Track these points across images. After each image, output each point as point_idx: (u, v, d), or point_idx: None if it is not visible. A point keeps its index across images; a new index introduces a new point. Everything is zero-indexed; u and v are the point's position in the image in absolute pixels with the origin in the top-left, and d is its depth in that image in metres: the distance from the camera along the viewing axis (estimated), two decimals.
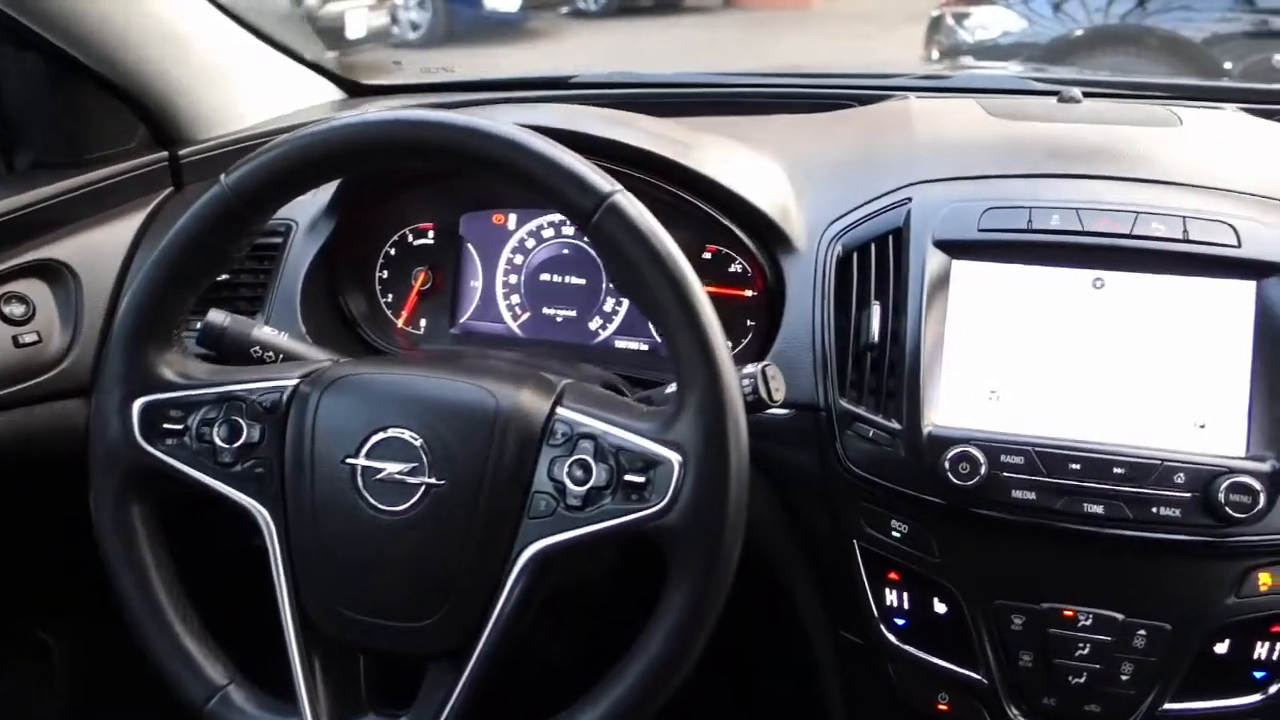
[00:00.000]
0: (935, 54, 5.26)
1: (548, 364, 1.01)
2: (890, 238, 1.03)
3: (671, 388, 0.88)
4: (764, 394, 0.90)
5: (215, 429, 0.88)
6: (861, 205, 1.07)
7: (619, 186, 0.81)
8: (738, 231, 1.08)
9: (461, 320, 1.23)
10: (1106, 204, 0.98)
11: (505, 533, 0.83)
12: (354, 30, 5.78)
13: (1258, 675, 0.93)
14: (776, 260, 1.08)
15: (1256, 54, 4.43)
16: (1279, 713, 0.92)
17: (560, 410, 0.85)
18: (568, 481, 0.82)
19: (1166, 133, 1.13)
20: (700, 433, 0.78)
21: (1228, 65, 4.46)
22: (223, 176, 0.87)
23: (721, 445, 0.78)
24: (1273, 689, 0.92)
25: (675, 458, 0.79)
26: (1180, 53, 4.59)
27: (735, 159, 1.14)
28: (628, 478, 0.80)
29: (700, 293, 0.79)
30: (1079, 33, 4.91)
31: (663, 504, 0.79)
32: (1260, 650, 0.92)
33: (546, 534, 0.82)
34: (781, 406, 0.99)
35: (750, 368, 0.91)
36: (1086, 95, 1.28)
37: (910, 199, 1.04)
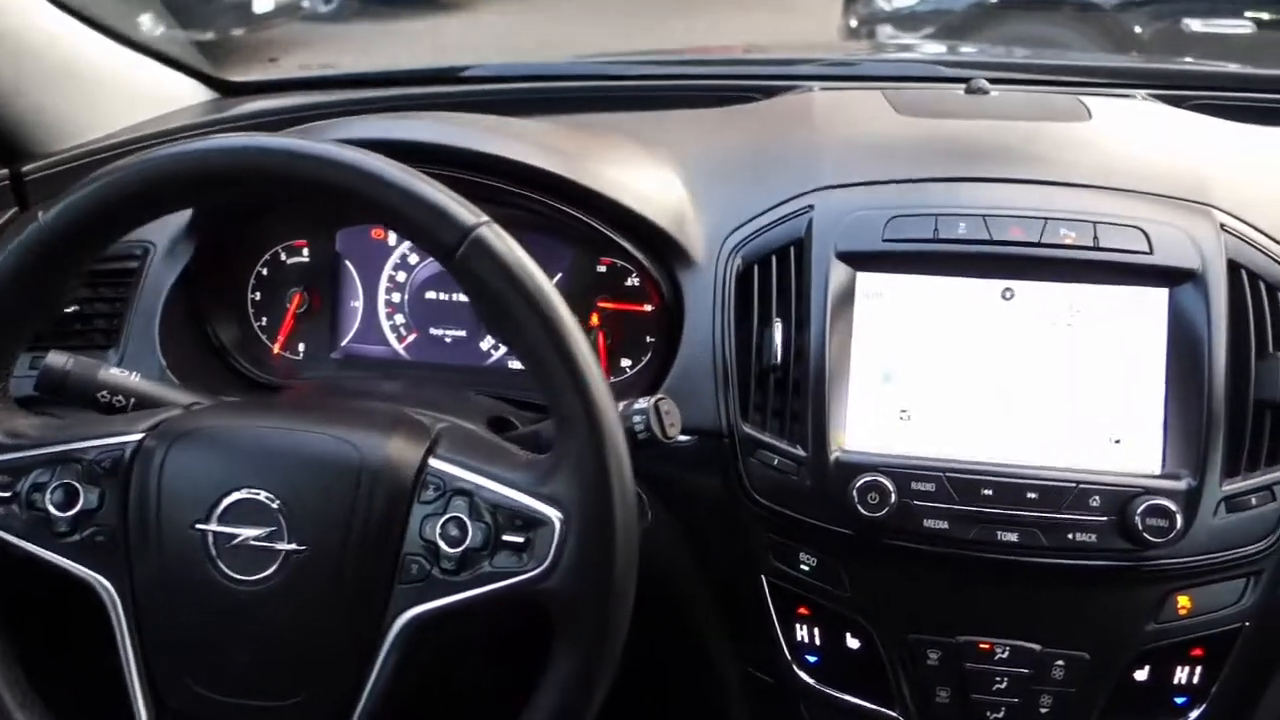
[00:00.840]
0: (854, 22, 5.22)
1: (429, 396, 0.93)
2: (791, 249, 0.97)
3: None
4: (657, 431, 0.83)
5: (48, 494, 0.78)
6: (761, 214, 1.00)
7: (484, 218, 0.73)
8: (629, 248, 1.01)
9: (343, 343, 1.14)
10: (1015, 210, 0.94)
11: (375, 601, 0.75)
12: (261, 4, 5.54)
13: (1178, 701, 0.90)
14: (674, 274, 1.02)
15: (1166, 19, 4.48)
16: None
17: (433, 462, 0.77)
18: (441, 543, 0.74)
19: (1076, 128, 1.08)
20: (580, 488, 0.71)
21: (1138, 30, 4.49)
22: (40, 212, 0.77)
23: (604, 501, 0.71)
24: (1193, 715, 0.89)
25: (555, 515, 0.72)
26: (1091, 19, 4.61)
27: (627, 166, 1.06)
28: (506, 538, 0.73)
29: (575, 333, 0.72)
30: (992, 1, 4.91)
31: (543, 567, 0.72)
32: (1180, 675, 0.89)
33: (419, 601, 0.75)
34: (682, 434, 0.93)
35: (642, 402, 0.84)
36: (995, 83, 1.23)
37: (812, 207, 0.98)
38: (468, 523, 0.74)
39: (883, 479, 0.88)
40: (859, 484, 0.88)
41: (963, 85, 1.22)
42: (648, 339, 1.06)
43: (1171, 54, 4.40)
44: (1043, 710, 0.90)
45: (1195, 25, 4.42)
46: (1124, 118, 1.13)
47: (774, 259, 0.97)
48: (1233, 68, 1.45)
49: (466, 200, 0.74)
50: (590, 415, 0.71)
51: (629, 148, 1.11)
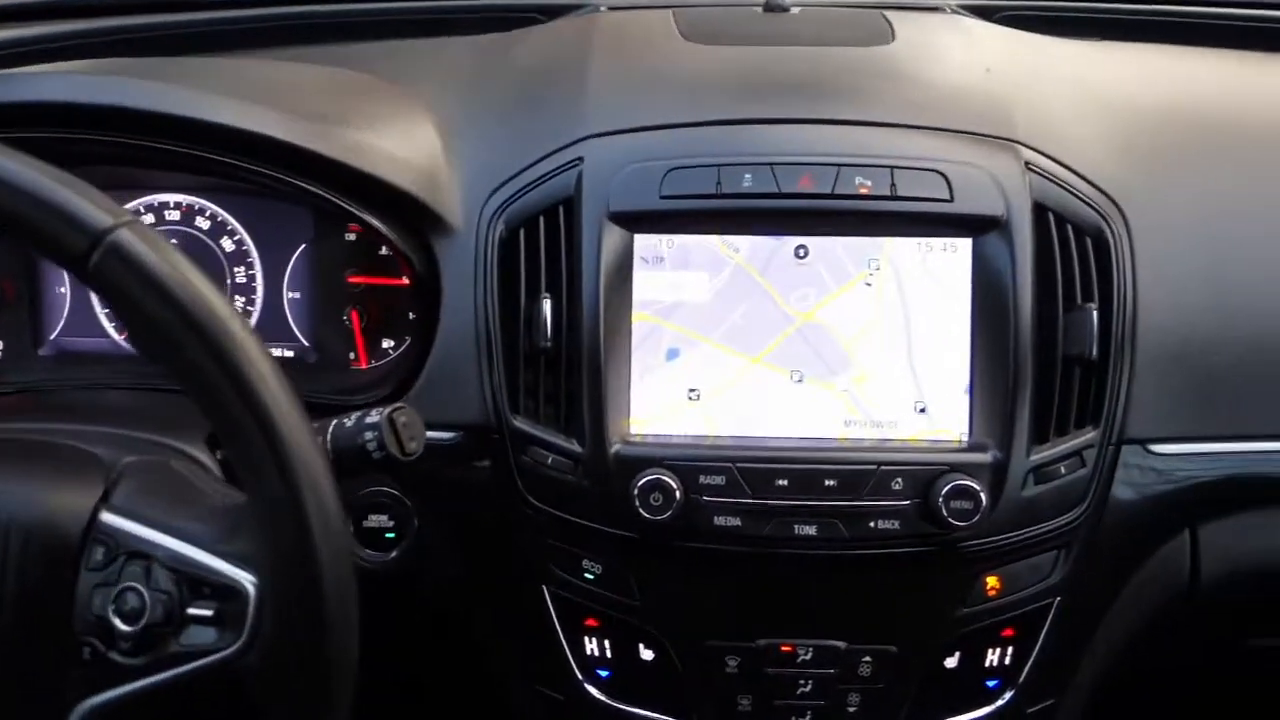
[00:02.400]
0: None
1: (148, 407, 0.78)
2: (560, 210, 0.84)
3: None
4: (394, 449, 0.71)
5: None
6: (527, 168, 0.86)
7: (124, 217, 0.57)
8: (369, 219, 0.86)
9: (51, 337, 0.96)
10: (806, 156, 0.83)
11: (45, 689, 0.61)
12: None
13: (990, 684, 0.85)
14: (428, 243, 0.87)
15: None
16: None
17: (104, 516, 0.63)
18: (115, 620, 0.60)
19: (876, 53, 0.97)
20: (273, 542, 0.58)
21: None
22: None
23: (304, 555, 0.58)
24: (1006, 697, 0.85)
25: (247, 579, 0.59)
26: None
27: (369, 119, 0.90)
28: (192, 610, 0.60)
29: (249, 350, 0.57)
30: None
31: (240, 642, 0.59)
32: (992, 658, 0.84)
33: (95, 690, 0.61)
34: (446, 429, 0.81)
35: (375, 415, 0.71)
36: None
37: (581, 159, 0.84)
38: (145, 594, 0.60)
39: (667, 476, 0.78)
40: (641, 483, 0.78)
41: (761, 2, 1.10)
42: (409, 316, 0.92)
43: None
44: (850, 710, 0.83)
45: None
46: (928, 38, 1.02)
47: (541, 221, 0.84)
48: None
49: (103, 195, 0.58)
50: (276, 450, 0.57)
51: (376, 93, 0.95)
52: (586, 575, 0.83)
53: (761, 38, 1.01)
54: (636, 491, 0.77)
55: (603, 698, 0.85)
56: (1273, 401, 0.85)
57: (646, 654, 0.84)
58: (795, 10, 1.10)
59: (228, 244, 0.95)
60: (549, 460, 0.81)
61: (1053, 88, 0.96)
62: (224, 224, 0.95)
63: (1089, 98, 0.97)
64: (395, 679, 0.84)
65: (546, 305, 0.82)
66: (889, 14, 1.06)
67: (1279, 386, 0.85)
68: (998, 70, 0.95)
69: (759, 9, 1.09)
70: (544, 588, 0.84)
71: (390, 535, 0.87)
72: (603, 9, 1.14)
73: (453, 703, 1.04)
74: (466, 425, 0.84)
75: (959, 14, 1.12)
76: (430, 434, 0.81)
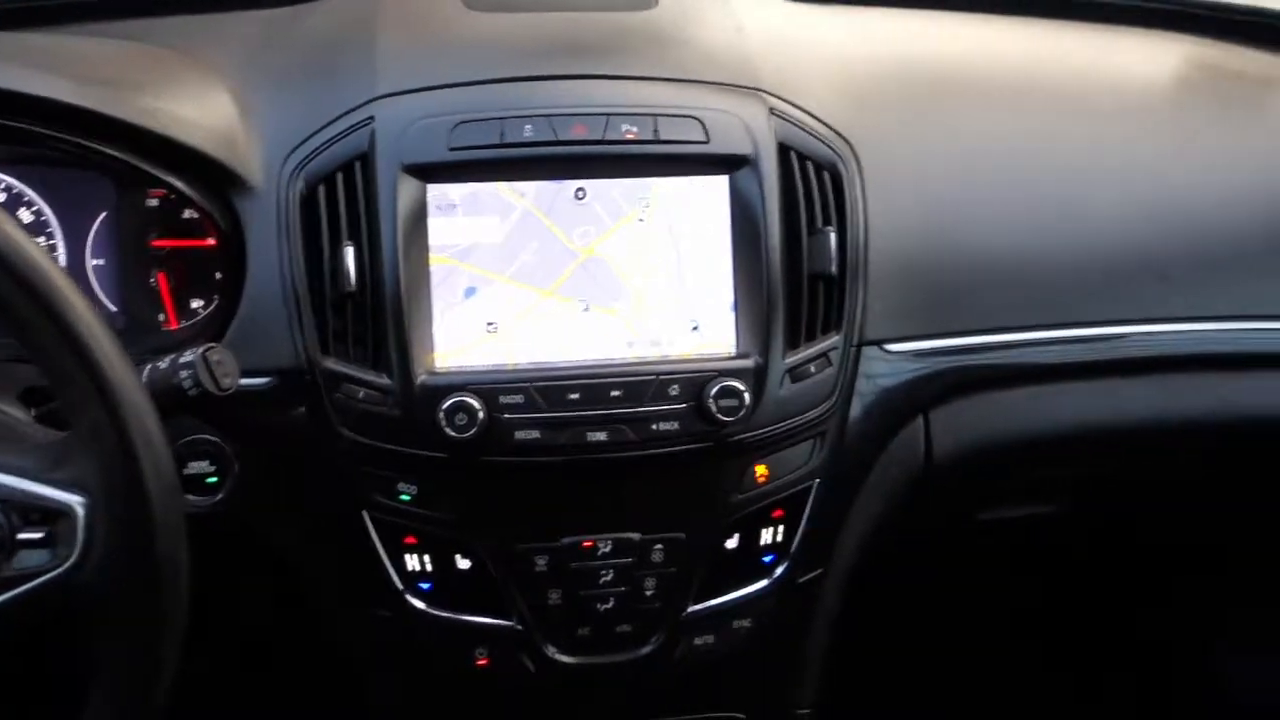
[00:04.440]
0: None
1: None
2: (356, 165, 0.90)
3: None
4: (209, 384, 0.76)
5: None
6: (322, 129, 0.92)
7: None
8: (172, 180, 0.90)
9: None
10: (580, 108, 0.92)
11: None
12: None
13: (766, 560, 0.97)
14: (231, 203, 0.92)
15: None
16: (789, 589, 0.97)
17: None
18: None
19: (642, 17, 1.07)
20: (101, 466, 0.64)
21: None
22: None
23: (132, 476, 0.64)
24: (780, 570, 0.97)
25: (77, 501, 0.64)
26: None
27: (165, 86, 0.94)
28: (22, 535, 0.64)
29: (62, 291, 0.62)
30: None
31: (72, 560, 0.64)
32: (766, 536, 0.96)
33: None
34: (259, 376, 0.87)
35: (189, 354, 0.77)
36: None
37: (373, 118, 0.91)
38: None
39: (470, 398, 0.86)
40: (446, 406, 0.86)
41: None
42: (216, 276, 0.96)
43: None
44: (648, 593, 0.94)
45: None
46: (689, 4, 1.13)
47: (339, 177, 0.90)
48: None
49: None
50: (99, 381, 0.63)
51: (167, 63, 0.99)
52: (403, 497, 0.90)
53: (539, 5, 1.08)
54: (442, 414, 0.85)
55: (427, 608, 0.93)
56: (982, 302, 1.01)
57: (463, 563, 0.92)
58: None
59: (25, 215, 0.97)
60: (360, 394, 0.88)
61: (796, 46, 1.09)
62: (20, 195, 0.96)
63: (828, 55, 1.10)
64: (235, 625, 0.89)
65: (349, 254, 0.88)
66: None
67: (986, 291, 1.01)
68: (748, 30, 1.06)
69: None
70: (364, 513, 0.91)
71: (212, 480, 0.92)
72: None
73: (290, 642, 1.09)
74: (280, 370, 0.90)
75: None
76: (245, 381, 0.86)
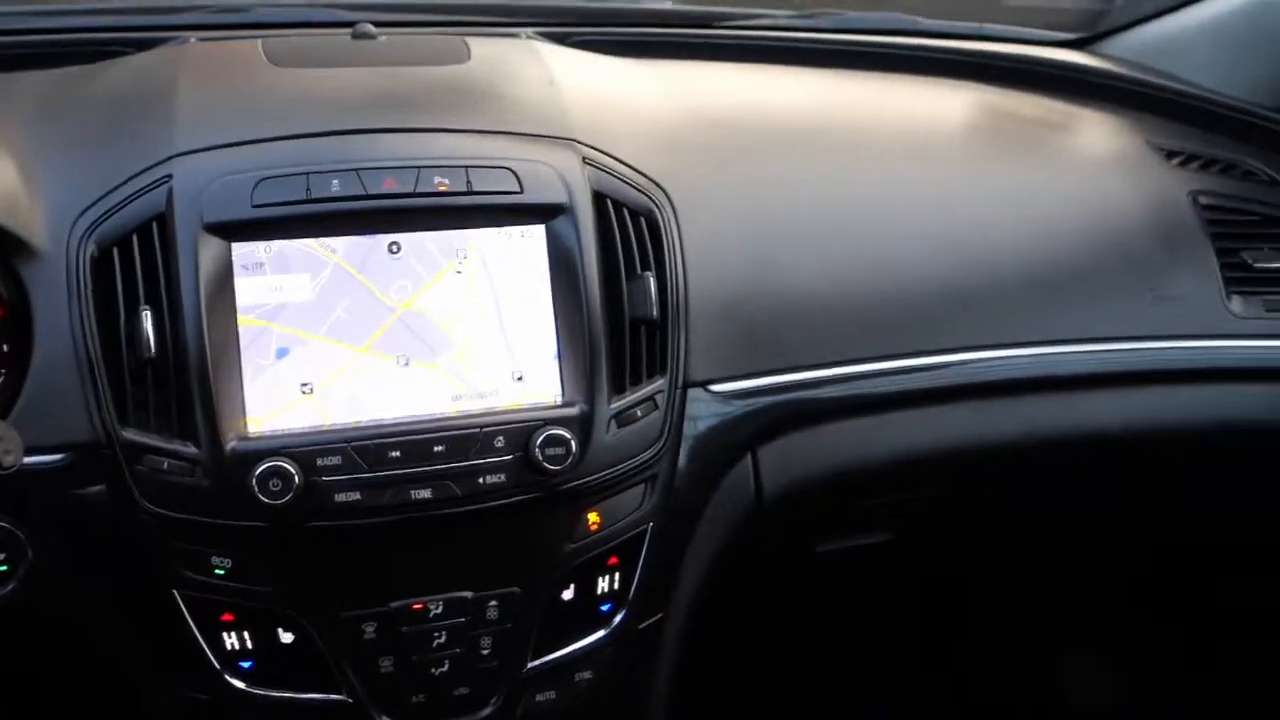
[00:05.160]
0: None
1: None
2: (154, 225, 0.86)
3: None
4: None
5: None
6: (115, 189, 0.88)
7: None
8: None
9: None
10: (390, 161, 0.91)
11: None
12: None
13: (604, 609, 0.96)
14: (14, 269, 0.86)
15: None
16: (629, 637, 0.97)
17: None
18: None
19: (455, 71, 1.07)
20: None
21: None
22: None
23: None
24: (619, 618, 0.96)
25: None
26: None
27: None
28: None
29: None
30: None
31: None
32: (602, 584, 0.95)
33: None
34: (51, 451, 0.81)
35: None
36: (383, 26, 1.20)
37: (171, 175, 0.88)
38: None
39: (284, 462, 0.82)
40: (259, 472, 0.82)
41: (349, 29, 1.17)
42: (3, 348, 0.90)
43: None
44: (484, 652, 0.91)
45: None
46: (503, 57, 1.15)
47: (134, 239, 0.86)
48: (613, 4, 1.54)
49: None
50: None
51: None
52: (217, 571, 0.85)
53: (348, 61, 1.08)
54: (255, 481, 0.81)
55: (249, 688, 0.88)
56: (799, 340, 1.04)
57: (286, 637, 0.87)
58: (382, 38, 1.18)
59: None
60: (165, 466, 0.83)
61: (609, 97, 1.11)
62: None
63: (641, 105, 1.13)
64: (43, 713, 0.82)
65: (148, 318, 0.84)
66: (469, 39, 1.17)
67: (803, 328, 1.04)
68: (560, 83, 1.08)
69: (347, 35, 1.16)
70: (175, 592, 0.86)
71: (2, 569, 0.85)
72: (192, 40, 1.16)
73: None
74: (74, 444, 0.84)
75: (534, 39, 1.26)
76: (35, 459, 0.81)
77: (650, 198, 0.99)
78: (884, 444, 1.08)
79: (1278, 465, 1.30)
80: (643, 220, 0.98)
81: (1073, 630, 1.68)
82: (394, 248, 0.90)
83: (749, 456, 1.03)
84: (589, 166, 0.97)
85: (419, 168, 0.91)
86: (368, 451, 0.85)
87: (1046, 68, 1.42)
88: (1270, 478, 1.34)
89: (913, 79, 1.39)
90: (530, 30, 1.30)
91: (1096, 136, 1.32)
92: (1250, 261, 1.20)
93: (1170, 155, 1.27)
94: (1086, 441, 1.14)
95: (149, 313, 0.84)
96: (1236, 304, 1.18)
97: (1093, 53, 1.47)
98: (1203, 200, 1.22)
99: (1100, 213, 1.20)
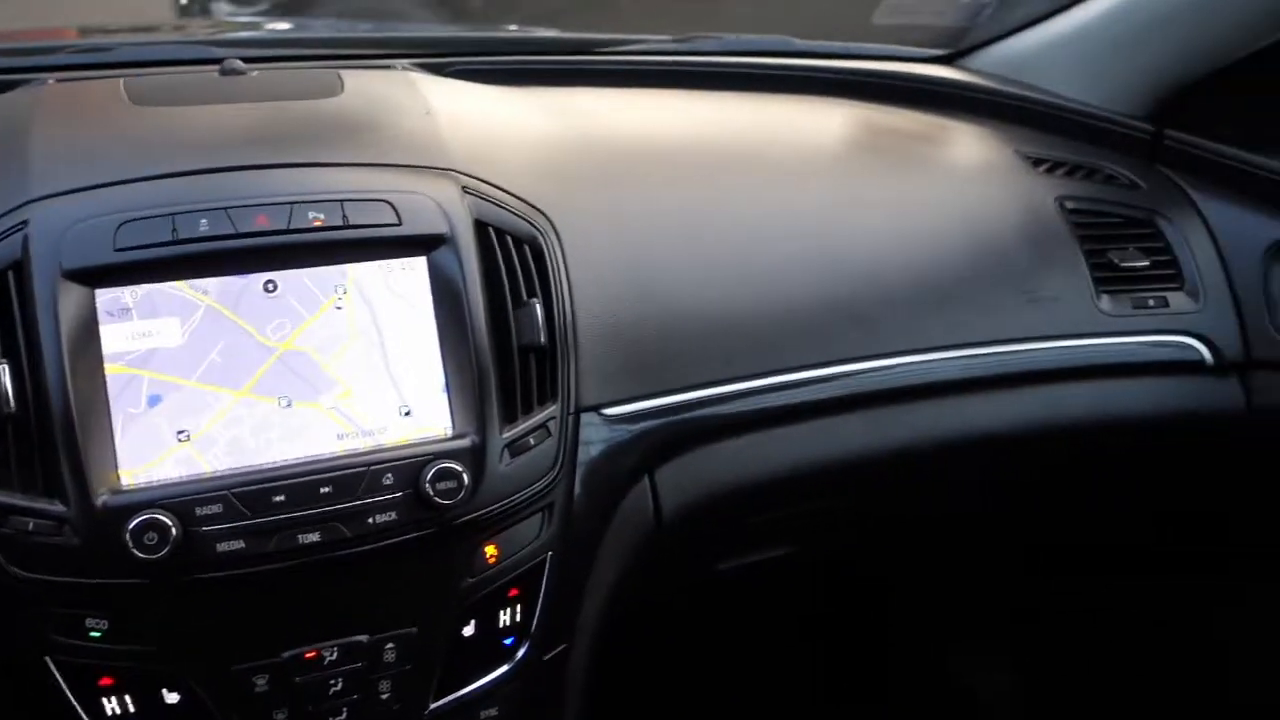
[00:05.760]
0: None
1: None
2: (10, 275, 0.82)
3: None
4: None
5: None
6: None
7: None
8: None
9: None
10: (261, 198, 0.89)
11: None
12: None
13: (507, 642, 0.94)
14: None
15: None
16: (535, 669, 0.95)
17: None
18: None
19: (327, 104, 1.05)
20: None
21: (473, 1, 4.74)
22: None
23: None
24: (522, 651, 0.94)
25: None
26: None
27: None
28: None
29: None
30: None
31: None
32: (504, 618, 0.93)
33: None
34: None
35: None
36: (252, 62, 1.17)
37: (26, 222, 0.84)
38: None
39: (160, 514, 0.79)
40: (132, 526, 0.78)
41: (217, 66, 1.14)
42: None
43: (504, 23, 4.74)
44: (384, 696, 0.89)
45: None
46: (378, 89, 1.13)
47: None
48: (491, 33, 1.54)
49: None
50: None
51: None
52: (93, 634, 0.81)
53: (215, 98, 1.05)
54: (129, 536, 0.78)
55: None
56: (690, 360, 1.04)
57: (171, 697, 0.83)
58: (253, 73, 1.15)
59: None
60: (30, 526, 0.79)
61: (488, 126, 1.11)
62: None
63: (521, 133, 1.13)
64: None
65: (5, 372, 0.80)
66: (342, 72, 1.15)
67: (692, 349, 1.04)
68: (437, 113, 1.07)
69: (215, 72, 1.14)
70: (47, 659, 0.81)
71: None
72: (50, 81, 1.12)
73: None
74: None
75: (410, 70, 1.24)
76: None
77: (533, 224, 0.99)
78: (778, 458, 1.09)
79: (1155, 458, 1.36)
80: (527, 247, 0.97)
81: (977, 628, 1.72)
82: (270, 286, 0.88)
83: (646, 478, 1.03)
84: (469, 195, 0.96)
85: (292, 203, 0.88)
86: (250, 497, 0.82)
87: (918, 83, 1.46)
88: (1147, 472, 1.39)
89: (791, 98, 1.42)
90: (406, 62, 1.29)
91: (967, 147, 1.37)
92: (1117, 261, 1.25)
93: (1037, 163, 1.32)
94: (974, 444, 1.17)
95: (7, 366, 0.80)
96: (1106, 303, 1.23)
97: (960, 68, 1.53)
98: (1069, 205, 1.27)
99: (974, 221, 1.24)
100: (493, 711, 0.93)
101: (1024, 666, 1.73)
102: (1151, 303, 1.24)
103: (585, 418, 0.98)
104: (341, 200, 0.90)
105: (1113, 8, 1.35)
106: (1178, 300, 1.26)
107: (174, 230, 0.85)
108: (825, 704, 1.67)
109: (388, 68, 1.24)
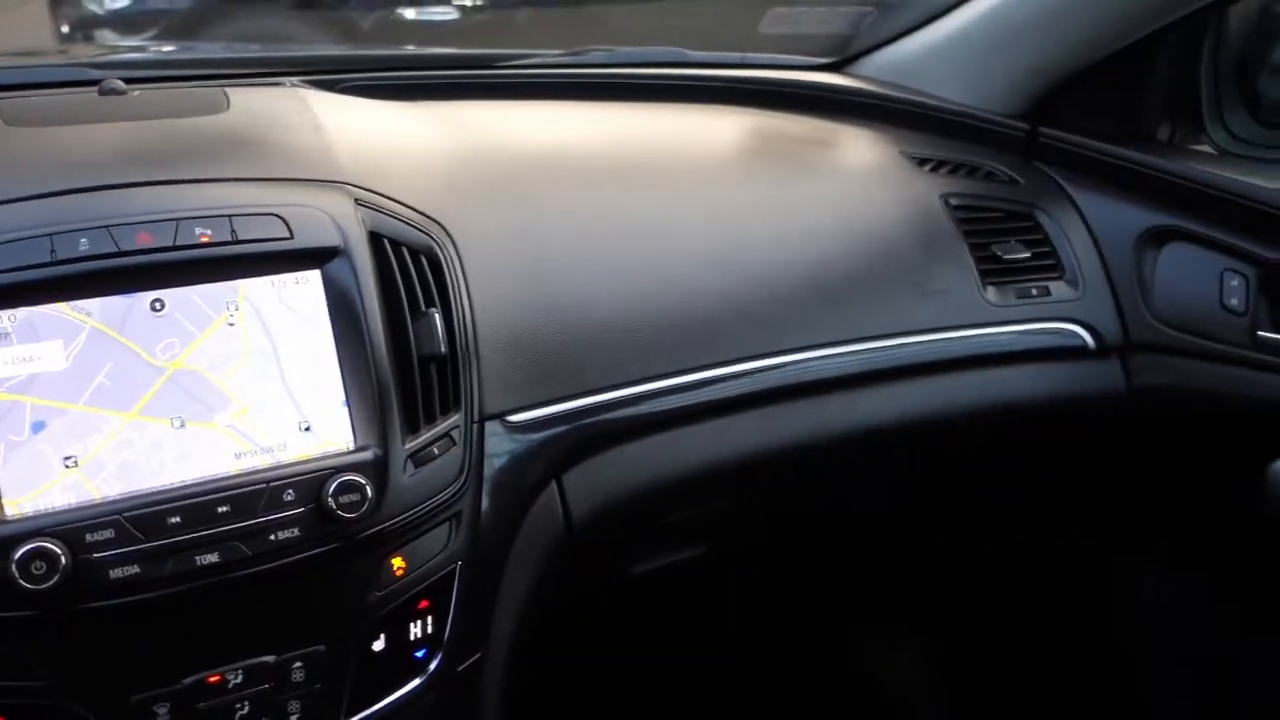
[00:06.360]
0: (65, 27, 4.70)
1: None
2: None
3: None
4: None
5: None
6: None
7: None
8: None
9: None
10: (144, 215, 0.87)
11: None
12: None
13: (419, 655, 0.93)
14: None
15: (383, 8, 4.76)
16: (449, 681, 0.94)
17: None
18: None
19: (212, 121, 1.04)
20: None
21: (360, 22, 4.71)
22: None
23: None
24: (435, 663, 0.93)
25: None
26: (315, 13, 4.72)
27: None
28: None
29: None
30: None
31: None
32: (414, 630, 0.92)
33: None
34: None
35: None
36: (135, 82, 1.14)
37: None
38: None
39: (48, 542, 0.76)
40: (19, 556, 0.75)
41: (95, 87, 1.11)
42: None
43: (392, 41, 4.71)
44: (293, 717, 0.87)
45: (410, 14, 4.78)
46: (266, 105, 1.12)
47: None
48: (384, 51, 1.54)
49: None
50: None
51: None
52: None
53: (94, 117, 1.02)
54: (15, 566, 0.75)
55: None
56: (592, 365, 1.05)
57: None
58: (135, 93, 1.13)
59: None
60: None
61: (381, 140, 1.10)
62: None
63: (415, 146, 1.13)
64: None
65: None
66: (229, 90, 1.13)
67: (594, 353, 1.05)
68: (328, 128, 1.06)
69: (94, 93, 1.11)
70: None
71: None
72: None
73: None
74: None
75: (300, 86, 1.23)
76: None
77: (430, 235, 0.99)
78: (682, 459, 1.10)
79: (1044, 444, 1.41)
80: (423, 258, 0.97)
81: (885, 619, 1.76)
82: (157, 305, 0.86)
83: (554, 484, 1.04)
84: (363, 208, 0.95)
85: (178, 220, 0.87)
86: (143, 521, 0.80)
87: (807, 90, 1.50)
88: (1037, 458, 1.45)
89: (684, 106, 1.44)
90: (296, 79, 1.27)
91: (855, 150, 1.41)
92: (1000, 254, 1.30)
93: (922, 163, 1.37)
94: (871, 437, 1.20)
95: None
96: (991, 293, 1.28)
97: (848, 74, 1.57)
98: (953, 201, 1.32)
99: (865, 220, 1.28)
100: None
101: (932, 655, 1.78)
102: (1034, 292, 1.29)
103: (490, 426, 0.97)
104: (230, 215, 0.88)
105: (985, 14, 1.41)
106: (1059, 289, 1.31)
107: (52, 251, 0.82)
108: (742, 702, 1.68)
109: (277, 84, 1.23)
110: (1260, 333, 1.22)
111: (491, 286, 1.01)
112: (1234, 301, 1.23)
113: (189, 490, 0.83)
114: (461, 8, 4.78)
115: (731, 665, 1.69)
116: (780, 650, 1.72)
